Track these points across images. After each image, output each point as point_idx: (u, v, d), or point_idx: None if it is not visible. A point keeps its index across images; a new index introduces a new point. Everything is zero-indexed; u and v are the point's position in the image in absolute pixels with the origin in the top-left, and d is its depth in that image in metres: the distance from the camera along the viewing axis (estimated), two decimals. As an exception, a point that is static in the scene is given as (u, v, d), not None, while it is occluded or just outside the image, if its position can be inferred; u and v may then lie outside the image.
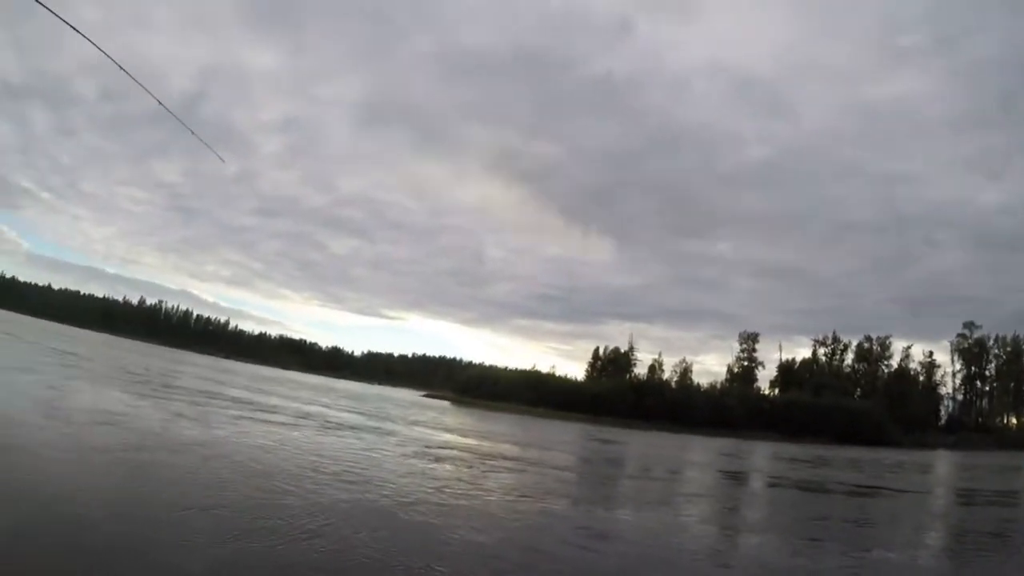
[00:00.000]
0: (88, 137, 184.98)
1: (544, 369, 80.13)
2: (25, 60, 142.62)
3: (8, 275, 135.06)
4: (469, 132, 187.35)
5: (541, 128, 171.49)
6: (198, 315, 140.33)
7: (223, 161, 8.43)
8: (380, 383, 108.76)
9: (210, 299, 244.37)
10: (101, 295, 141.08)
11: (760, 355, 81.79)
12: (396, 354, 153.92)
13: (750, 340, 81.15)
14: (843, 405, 64.84)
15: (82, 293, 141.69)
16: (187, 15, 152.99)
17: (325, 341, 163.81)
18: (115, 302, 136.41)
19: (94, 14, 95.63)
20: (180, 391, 21.73)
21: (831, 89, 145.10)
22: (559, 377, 75.96)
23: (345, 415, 24.74)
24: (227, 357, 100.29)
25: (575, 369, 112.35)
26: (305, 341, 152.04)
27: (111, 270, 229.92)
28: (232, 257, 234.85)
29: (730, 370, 79.73)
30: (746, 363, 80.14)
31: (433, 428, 25.49)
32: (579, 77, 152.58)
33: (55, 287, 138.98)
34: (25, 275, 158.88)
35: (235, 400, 21.86)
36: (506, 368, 76.09)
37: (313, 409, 24.79)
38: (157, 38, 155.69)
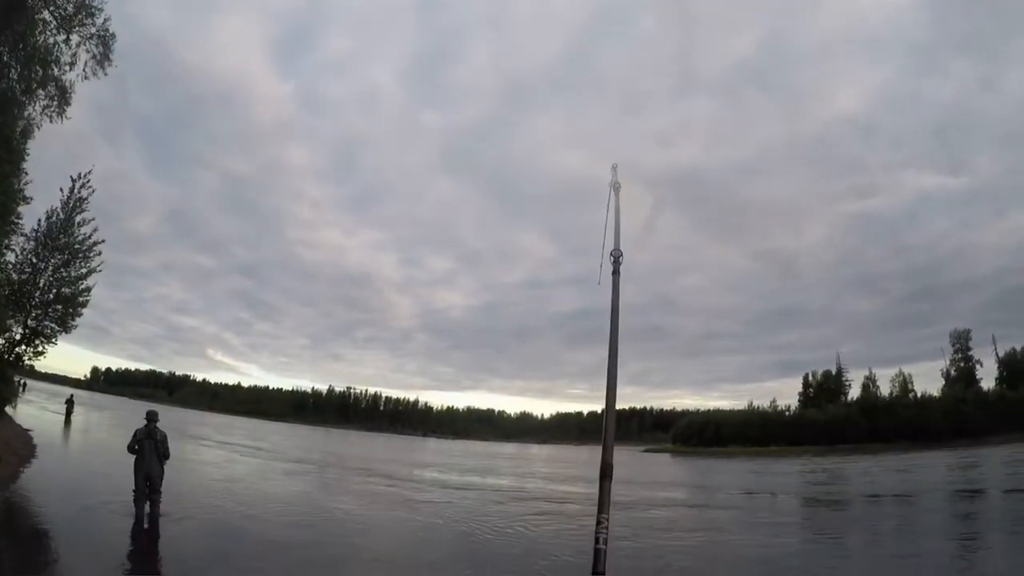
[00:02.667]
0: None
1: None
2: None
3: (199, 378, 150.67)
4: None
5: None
6: (386, 396, 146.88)
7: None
8: (576, 444, 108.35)
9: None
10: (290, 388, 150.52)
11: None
12: (586, 412, 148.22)
13: (962, 339, 76.27)
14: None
15: (271, 388, 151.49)
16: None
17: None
18: (305, 393, 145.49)
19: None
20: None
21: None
22: (781, 412, 75.79)
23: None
24: (424, 435, 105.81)
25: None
26: (493, 410, 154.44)
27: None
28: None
29: (947, 374, 75.08)
30: (963, 364, 75.58)
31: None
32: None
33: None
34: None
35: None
36: (725, 410, 76.38)
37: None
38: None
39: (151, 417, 10.49)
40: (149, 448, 10.16)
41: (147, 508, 10.16)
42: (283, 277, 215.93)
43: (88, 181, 22.42)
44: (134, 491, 10.08)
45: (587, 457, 65.63)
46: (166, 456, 10.45)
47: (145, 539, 9.64)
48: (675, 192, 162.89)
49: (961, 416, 61.16)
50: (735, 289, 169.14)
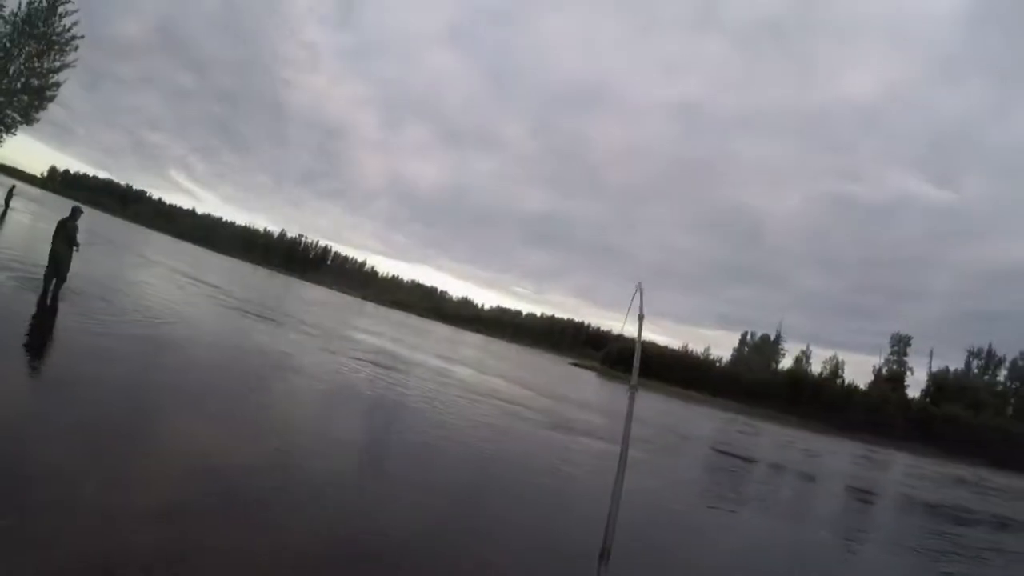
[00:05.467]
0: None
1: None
2: None
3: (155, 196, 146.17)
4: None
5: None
6: (335, 252, 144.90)
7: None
8: (509, 341, 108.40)
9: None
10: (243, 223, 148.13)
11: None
12: (524, 312, 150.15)
13: (902, 343, 77.92)
14: (1004, 427, 62.12)
15: (225, 220, 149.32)
16: None
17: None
18: (257, 231, 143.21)
19: None
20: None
21: None
22: (713, 361, 76.11)
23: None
24: (364, 298, 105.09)
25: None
26: (436, 289, 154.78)
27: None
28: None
29: (878, 372, 76.70)
30: (896, 367, 77.22)
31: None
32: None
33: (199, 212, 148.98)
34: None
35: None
36: (659, 345, 76.11)
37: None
38: None
39: (74, 212, 11.77)
40: (62, 236, 11.29)
41: (53, 284, 11.32)
42: (260, 112, 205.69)
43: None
44: (45, 269, 11.30)
45: (517, 356, 65.43)
46: (75, 244, 11.54)
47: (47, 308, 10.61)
48: (668, 123, 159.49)
49: (881, 415, 62.23)
50: (700, 232, 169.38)
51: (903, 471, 30.11)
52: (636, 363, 3.00)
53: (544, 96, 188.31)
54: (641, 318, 3.06)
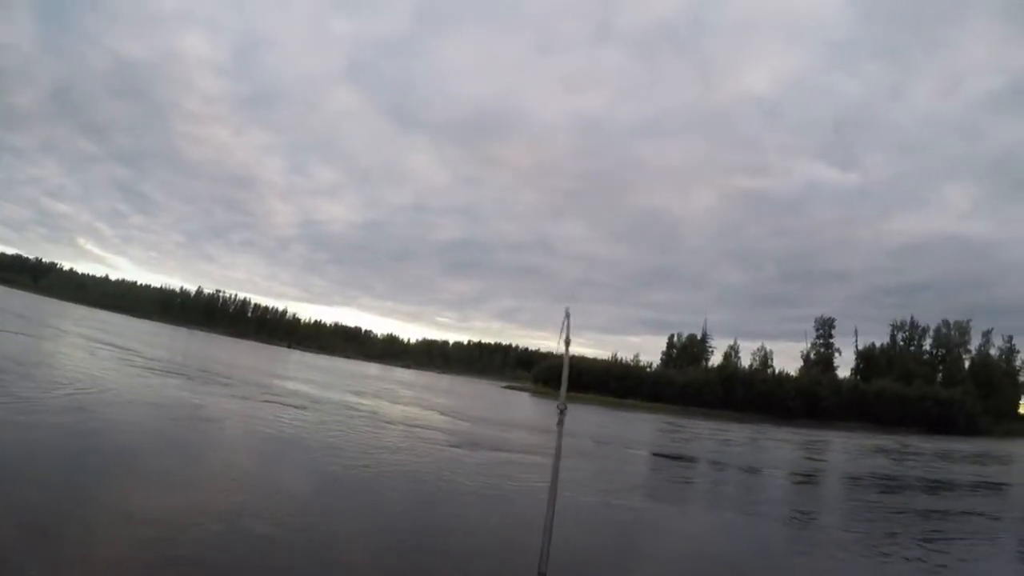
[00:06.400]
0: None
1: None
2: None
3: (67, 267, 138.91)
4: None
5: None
6: (255, 304, 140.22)
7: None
8: (439, 372, 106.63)
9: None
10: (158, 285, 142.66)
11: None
12: (451, 341, 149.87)
13: (826, 326, 78.67)
14: (934, 394, 63.37)
15: (139, 283, 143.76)
16: None
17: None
18: (173, 292, 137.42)
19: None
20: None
21: None
22: (643, 367, 75.06)
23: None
24: (289, 347, 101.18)
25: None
26: (360, 329, 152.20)
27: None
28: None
29: (806, 357, 77.21)
30: (823, 349, 77.94)
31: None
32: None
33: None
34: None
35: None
36: (589, 359, 74.89)
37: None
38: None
39: None
40: None
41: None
42: (165, 170, 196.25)
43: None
44: None
45: (446, 385, 63.03)
46: None
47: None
48: (574, 138, 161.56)
49: (814, 398, 62.27)
50: (616, 242, 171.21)
51: (836, 448, 30.28)
52: (563, 387, 3.01)
53: (449, 124, 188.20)
54: (568, 343, 3.24)
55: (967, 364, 75.67)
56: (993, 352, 76.25)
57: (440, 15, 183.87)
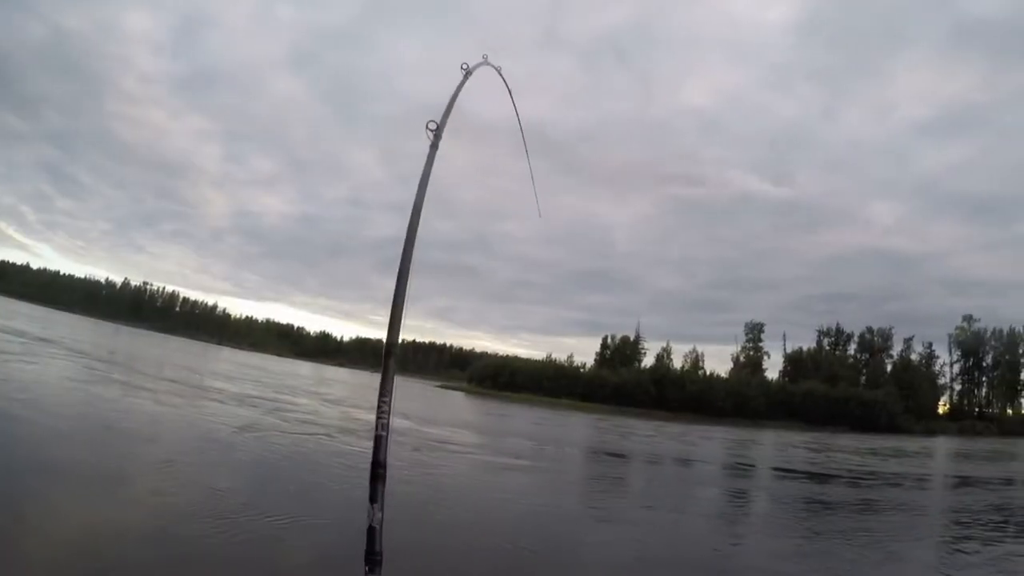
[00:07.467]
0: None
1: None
2: None
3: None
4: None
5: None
6: (184, 297, 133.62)
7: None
8: (373, 371, 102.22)
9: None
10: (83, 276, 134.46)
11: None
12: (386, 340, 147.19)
13: (755, 330, 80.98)
14: (859, 395, 65.83)
15: (63, 273, 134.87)
16: None
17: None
18: (98, 283, 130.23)
19: None
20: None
21: None
22: (576, 368, 74.73)
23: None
24: (219, 343, 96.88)
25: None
26: (293, 326, 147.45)
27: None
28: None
29: (736, 359, 79.25)
30: (752, 352, 79.96)
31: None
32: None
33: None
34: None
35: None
36: (523, 359, 74.19)
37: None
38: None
39: None
40: None
41: None
42: (95, 153, 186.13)
43: None
44: None
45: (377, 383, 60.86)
46: None
47: None
48: (515, 141, 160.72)
49: (744, 398, 63.26)
50: (553, 244, 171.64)
51: (762, 445, 31.15)
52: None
53: (390, 120, 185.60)
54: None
55: (889, 368, 78.68)
56: (914, 357, 79.79)
57: (388, 9, 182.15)
